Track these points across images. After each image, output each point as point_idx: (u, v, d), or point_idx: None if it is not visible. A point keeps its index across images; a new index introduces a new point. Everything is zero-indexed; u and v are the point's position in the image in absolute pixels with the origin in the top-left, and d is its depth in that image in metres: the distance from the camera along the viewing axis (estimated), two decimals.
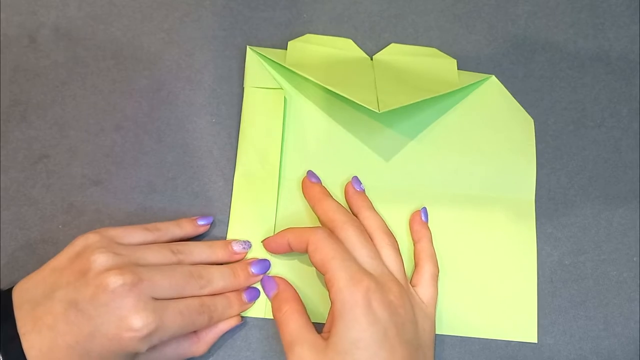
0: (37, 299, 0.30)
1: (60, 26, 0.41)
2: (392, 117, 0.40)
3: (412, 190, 0.39)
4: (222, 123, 0.40)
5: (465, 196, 0.39)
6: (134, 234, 0.34)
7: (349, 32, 0.42)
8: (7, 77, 0.40)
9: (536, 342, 0.37)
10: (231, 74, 0.41)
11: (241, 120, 0.39)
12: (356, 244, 0.33)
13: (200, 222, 0.37)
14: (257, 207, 0.38)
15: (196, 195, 0.38)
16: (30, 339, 0.29)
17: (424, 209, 0.38)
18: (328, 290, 0.32)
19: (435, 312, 0.35)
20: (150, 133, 0.40)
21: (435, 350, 0.35)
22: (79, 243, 0.32)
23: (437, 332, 0.36)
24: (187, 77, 0.41)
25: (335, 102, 0.40)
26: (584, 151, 0.40)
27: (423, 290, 0.35)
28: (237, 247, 0.36)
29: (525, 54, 0.42)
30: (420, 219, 0.38)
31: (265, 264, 0.36)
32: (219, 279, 0.34)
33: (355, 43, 0.42)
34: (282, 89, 0.40)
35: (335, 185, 0.39)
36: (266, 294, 0.36)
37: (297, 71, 0.38)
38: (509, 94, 0.40)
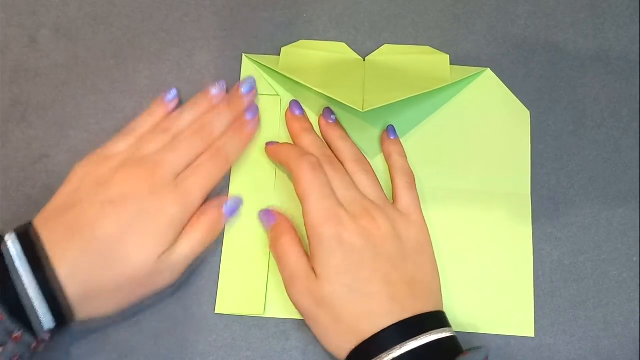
0: (61, 213, 0.32)
1: (60, 26, 0.41)
2: (384, 116, 0.40)
3: None
4: None
5: (460, 191, 0.39)
6: (119, 144, 0.36)
7: (349, 32, 0.42)
8: (7, 77, 0.40)
9: (533, 336, 0.37)
10: (231, 74, 0.41)
11: None
12: (330, 178, 0.35)
13: (168, 99, 0.38)
14: (254, 211, 0.38)
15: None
16: (62, 246, 0.31)
17: (390, 126, 0.39)
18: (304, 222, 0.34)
19: (421, 216, 0.36)
20: None
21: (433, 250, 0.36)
22: (76, 169, 0.35)
23: None
24: (187, 77, 0.41)
25: (331, 106, 0.40)
26: (584, 151, 0.40)
27: (401, 202, 0.36)
28: (214, 91, 0.38)
29: (525, 54, 0.42)
30: (386, 137, 0.39)
31: (251, 80, 0.39)
32: (218, 120, 0.37)
33: (356, 43, 0.42)
34: (277, 95, 0.40)
35: None
36: (264, 226, 0.37)
37: (288, 75, 0.38)
38: (504, 85, 0.40)
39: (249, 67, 0.41)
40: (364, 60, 0.41)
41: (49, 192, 0.38)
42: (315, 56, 0.40)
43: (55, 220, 0.32)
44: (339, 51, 0.41)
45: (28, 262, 0.30)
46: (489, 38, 0.42)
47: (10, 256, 0.30)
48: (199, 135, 0.36)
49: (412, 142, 0.39)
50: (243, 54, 0.41)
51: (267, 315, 0.36)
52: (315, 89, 0.37)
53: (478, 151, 0.40)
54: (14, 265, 0.29)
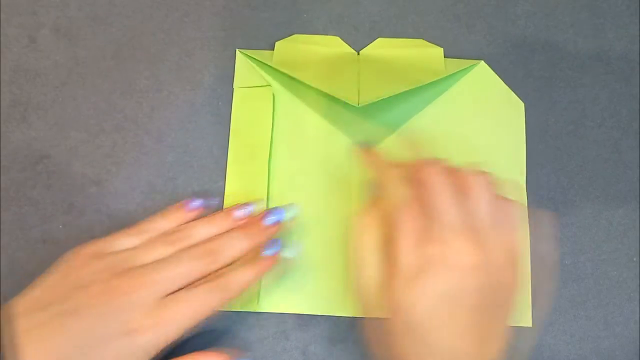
0: (31, 313, 0.29)
1: (60, 26, 0.41)
2: (379, 109, 0.40)
3: None
4: (222, 123, 0.40)
5: None
6: (121, 241, 0.33)
7: (349, 32, 0.42)
8: (7, 77, 0.40)
9: (531, 325, 0.37)
10: (231, 74, 0.41)
11: (231, 121, 0.40)
12: (434, 193, 0.30)
13: (192, 206, 0.35)
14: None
15: (196, 196, 0.38)
16: (23, 350, 0.28)
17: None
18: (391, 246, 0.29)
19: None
20: (151, 133, 0.40)
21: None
22: (68, 258, 0.32)
23: None
24: (187, 77, 0.41)
25: (324, 98, 0.40)
26: (584, 151, 0.40)
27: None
28: (238, 213, 0.35)
29: (525, 54, 0.42)
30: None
31: (279, 212, 0.35)
32: (230, 247, 0.33)
33: (356, 43, 0.42)
34: (270, 86, 0.40)
35: (324, 178, 0.39)
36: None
37: (283, 70, 0.38)
38: (498, 78, 0.40)
39: (242, 62, 0.41)
40: (358, 54, 0.41)
41: (49, 192, 0.38)
42: (310, 50, 0.41)
43: (30, 314, 0.29)
44: (333, 45, 0.41)
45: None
46: (489, 38, 0.42)
47: None
48: (203, 260, 0.32)
49: (406, 134, 0.40)
50: (237, 50, 0.41)
51: (261, 309, 0.36)
52: (310, 84, 0.37)
53: (473, 143, 0.40)
54: None
